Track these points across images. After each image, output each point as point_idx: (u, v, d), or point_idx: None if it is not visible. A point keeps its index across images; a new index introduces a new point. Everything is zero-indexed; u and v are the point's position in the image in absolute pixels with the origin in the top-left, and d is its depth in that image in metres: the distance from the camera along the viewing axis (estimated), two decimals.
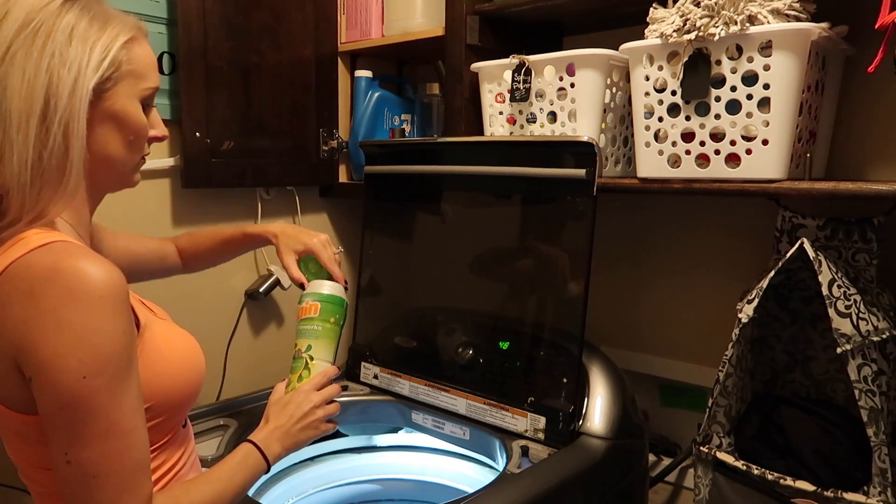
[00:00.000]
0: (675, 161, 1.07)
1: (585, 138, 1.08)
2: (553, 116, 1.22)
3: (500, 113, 1.30)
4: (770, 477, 0.98)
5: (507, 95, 1.26)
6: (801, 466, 1.04)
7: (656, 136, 1.09)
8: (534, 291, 1.23)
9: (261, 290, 1.56)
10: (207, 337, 1.50)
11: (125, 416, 0.67)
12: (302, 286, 1.05)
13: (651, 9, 1.06)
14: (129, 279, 0.71)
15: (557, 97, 1.20)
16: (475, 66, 1.31)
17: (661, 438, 1.46)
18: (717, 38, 0.97)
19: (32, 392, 0.66)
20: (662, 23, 1.03)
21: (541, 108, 1.23)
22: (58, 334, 0.63)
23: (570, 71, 1.17)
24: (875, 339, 0.94)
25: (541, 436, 1.11)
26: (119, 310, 0.66)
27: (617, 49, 1.11)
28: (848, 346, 0.92)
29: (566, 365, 1.12)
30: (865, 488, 0.94)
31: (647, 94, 1.07)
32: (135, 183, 0.82)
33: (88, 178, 0.75)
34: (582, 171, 1.08)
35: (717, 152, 1.02)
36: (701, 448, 1.07)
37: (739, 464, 1.02)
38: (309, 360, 0.99)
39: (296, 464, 1.28)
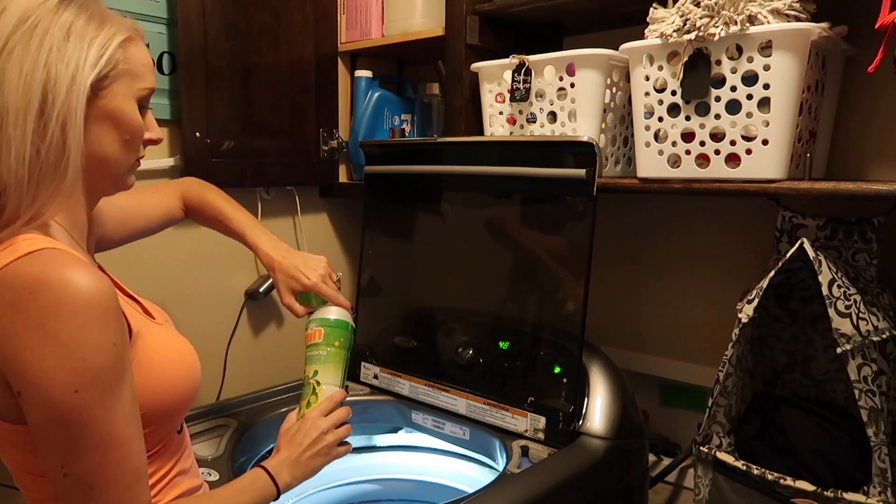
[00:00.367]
0: (675, 161, 1.07)
1: (585, 138, 1.08)
2: (553, 116, 1.22)
3: (500, 113, 1.30)
4: (770, 477, 0.98)
5: (507, 95, 1.26)
6: (801, 466, 1.04)
7: (656, 136, 1.09)
8: (534, 291, 1.23)
9: (261, 290, 1.56)
10: (207, 337, 1.50)
11: (120, 427, 0.66)
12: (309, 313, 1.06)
13: (651, 9, 1.06)
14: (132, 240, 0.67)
15: (557, 97, 1.20)
16: (475, 66, 1.31)
17: (661, 438, 1.46)
18: (717, 38, 0.97)
19: (21, 405, 0.65)
20: (662, 23, 1.03)
21: (541, 108, 1.23)
22: (46, 348, 0.62)
23: (570, 71, 1.17)
24: (875, 339, 0.94)
25: (541, 436, 1.11)
26: (108, 320, 0.65)
27: (617, 49, 1.11)
28: (848, 346, 0.92)
29: (566, 365, 1.12)
30: (865, 488, 0.94)
31: (647, 94, 1.07)
32: (129, 185, 0.81)
33: (83, 180, 0.74)
34: (582, 171, 1.08)
35: (717, 152, 1.02)
36: (701, 448, 1.07)
37: (739, 464, 1.02)
38: (316, 385, 0.99)
39: None
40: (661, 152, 1.08)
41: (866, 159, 1.16)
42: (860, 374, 0.92)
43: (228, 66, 1.43)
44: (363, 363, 1.39)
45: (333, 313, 1.04)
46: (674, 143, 1.06)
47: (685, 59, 1.01)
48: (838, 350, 0.92)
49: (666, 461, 1.39)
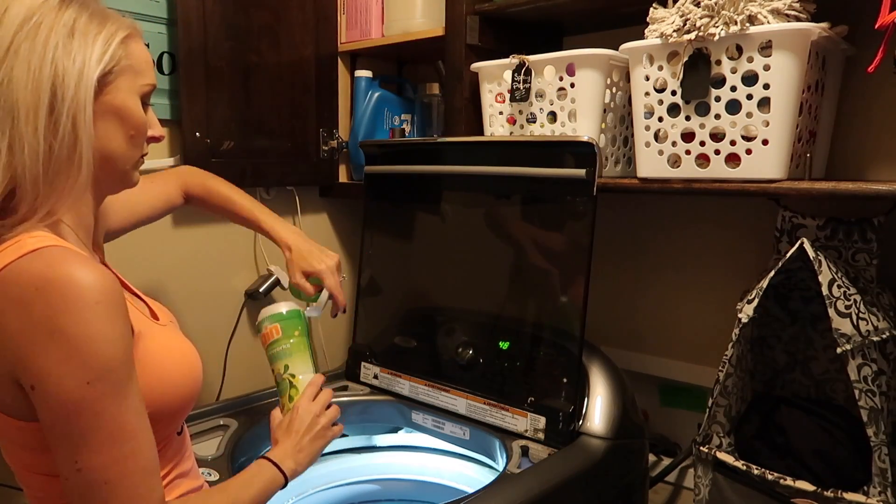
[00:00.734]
0: (675, 161, 1.07)
1: (585, 138, 1.08)
2: (553, 116, 1.22)
3: (500, 113, 1.30)
4: (770, 477, 0.98)
5: (507, 95, 1.26)
6: (801, 466, 1.04)
7: (656, 136, 1.09)
8: (534, 291, 1.23)
9: (261, 290, 1.56)
10: (207, 337, 1.50)
11: (131, 420, 0.67)
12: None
13: (651, 9, 1.06)
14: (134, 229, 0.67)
15: (557, 97, 1.20)
16: (475, 66, 1.31)
17: (661, 438, 1.46)
18: (717, 38, 0.97)
19: (33, 401, 0.65)
20: (662, 23, 1.03)
21: (541, 108, 1.23)
22: (56, 344, 0.62)
23: (570, 71, 1.17)
24: (875, 339, 0.94)
25: (541, 436, 1.11)
26: (115, 314, 0.66)
27: (617, 49, 1.11)
28: (848, 346, 0.92)
29: (566, 365, 1.12)
30: (865, 488, 0.94)
31: (647, 94, 1.07)
32: (135, 182, 0.82)
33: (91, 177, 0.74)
34: (582, 171, 1.08)
35: (717, 152, 1.02)
36: (701, 448, 1.07)
37: (739, 464, 1.02)
38: (291, 379, 0.99)
39: None
40: (661, 152, 1.08)
41: (866, 159, 1.16)
42: (860, 374, 0.92)
43: (228, 66, 1.43)
44: (363, 363, 1.39)
45: (283, 307, 1.04)
46: (674, 143, 1.06)
47: (685, 59, 1.01)
48: (838, 350, 0.92)
49: (666, 461, 1.39)
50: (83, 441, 0.64)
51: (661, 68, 1.05)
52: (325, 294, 1.10)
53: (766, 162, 0.98)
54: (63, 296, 0.63)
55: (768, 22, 0.94)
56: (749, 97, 0.98)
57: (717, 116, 1.01)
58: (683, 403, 1.44)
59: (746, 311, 1.02)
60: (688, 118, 1.04)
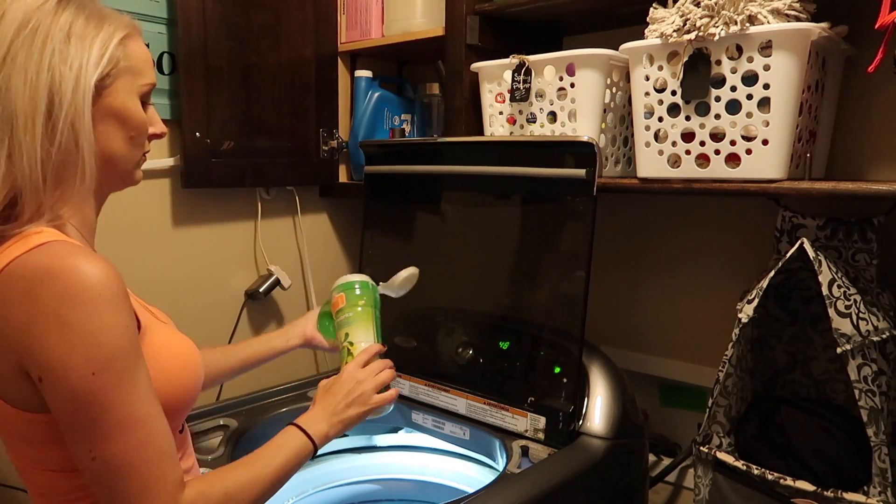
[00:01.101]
0: (675, 161, 1.07)
1: (585, 138, 1.08)
2: (553, 116, 1.22)
3: (500, 113, 1.30)
4: (770, 477, 0.98)
5: (507, 95, 1.26)
6: (801, 466, 1.04)
7: (656, 136, 1.09)
8: (534, 291, 1.23)
9: (261, 290, 1.56)
10: (207, 337, 1.50)
11: (141, 406, 0.67)
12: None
13: (651, 9, 1.06)
14: None
15: (557, 97, 1.20)
16: (475, 66, 1.31)
17: (661, 438, 1.46)
18: (717, 38, 0.97)
19: (41, 392, 0.66)
20: (662, 23, 1.03)
21: (541, 108, 1.23)
22: (61, 335, 0.63)
23: (570, 71, 1.17)
24: (875, 339, 0.94)
25: (541, 436, 1.11)
26: (119, 305, 0.67)
27: (617, 49, 1.11)
28: (848, 346, 0.92)
29: (566, 365, 1.12)
30: (865, 488, 0.95)
31: (647, 94, 1.07)
32: (137, 180, 0.82)
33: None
34: (582, 171, 1.08)
35: (717, 152, 1.02)
36: (701, 448, 1.07)
37: (739, 464, 1.02)
38: (350, 346, 1.00)
39: None
40: (661, 152, 1.08)
41: (866, 159, 1.16)
42: (860, 374, 0.92)
43: (228, 66, 1.43)
44: None
45: (354, 277, 1.06)
46: (674, 143, 1.06)
47: (685, 59, 1.01)
48: (838, 350, 0.92)
49: (666, 461, 1.39)
50: (94, 430, 0.65)
51: (661, 68, 1.05)
52: (401, 274, 1.10)
53: (766, 162, 0.98)
54: (67, 287, 0.64)
55: (768, 22, 0.94)
56: (749, 97, 0.98)
57: (717, 116, 1.01)
58: (683, 403, 1.44)
59: (746, 311, 1.02)
60: (688, 118, 1.04)
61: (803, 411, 1.11)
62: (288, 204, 1.65)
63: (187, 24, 1.35)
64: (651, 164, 1.10)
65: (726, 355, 1.04)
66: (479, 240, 1.30)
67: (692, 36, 0.99)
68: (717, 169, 1.03)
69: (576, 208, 1.12)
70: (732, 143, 1.00)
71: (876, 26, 0.86)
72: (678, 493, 1.39)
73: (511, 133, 1.29)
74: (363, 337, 1.01)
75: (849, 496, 0.92)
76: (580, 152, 1.09)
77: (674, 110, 1.05)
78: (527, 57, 1.21)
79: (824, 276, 0.94)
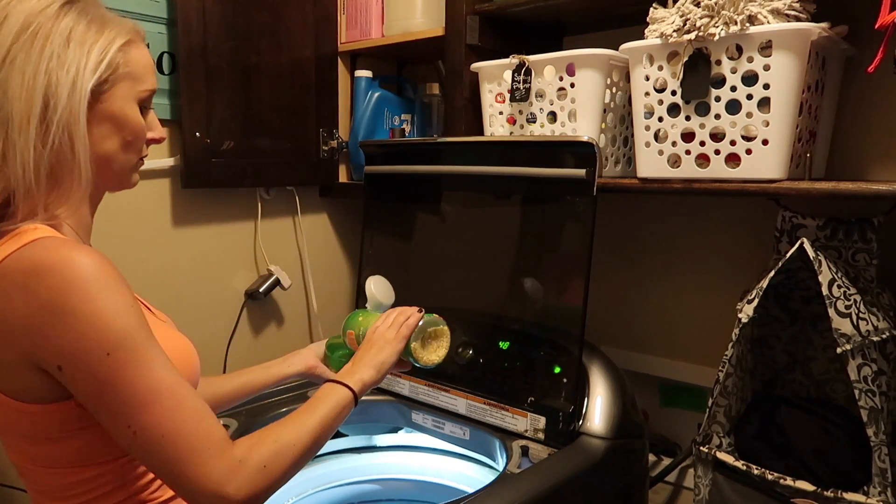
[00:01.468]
0: (675, 161, 1.07)
1: (585, 138, 1.08)
2: (553, 116, 1.22)
3: (500, 113, 1.30)
4: (770, 477, 0.98)
5: (507, 95, 1.26)
6: (801, 466, 1.04)
7: (656, 136, 1.09)
8: (534, 291, 1.23)
9: (261, 290, 1.56)
10: (207, 337, 1.50)
11: (165, 376, 0.68)
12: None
13: (651, 9, 1.06)
14: None
15: (557, 97, 1.20)
16: (475, 66, 1.31)
17: (661, 438, 1.46)
18: (717, 38, 0.97)
19: (63, 381, 0.67)
20: (662, 23, 1.03)
21: (541, 108, 1.23)
22: (67, 323, 0.64)
23: (570, 71, 1.17)
24: (875, 339, 0.94)
25: (541, 436, 1.11)
26: (118, 287, 0.67)
27: (617, 49, 1.11)
28: (848, 346, 0.92)
29: (566, 365, 1.12)
30: (865, 488, 0.94)
31: (647, 94, 1.07)
32: (133, 184, 0.82)
33: None
34: (582, 171, 1.08)
35: (717, 152, 1.02)
36: (701, 448, 1.07)
37: (739, 464, 1.02)
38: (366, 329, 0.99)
39: None
40: (661, 152, 1.08)
41: (866, 159, 1.16)
42: (860, 374, 0.92)
43: (228, 66, 1.43)
44: None
45: (355, 313, 1.08)
46: (674, 143, 1.06)
47: (685, 59, 1.01)
48: (838, 350, 0.92)
49: (666, 461, 1.39)
50: (126, 406, 0.66)
51: (661, 68, 1.05)
52: (371, 290, 1.11)
53: (766, 162, 0.98)
54: (64, 278, 0.65)
55: (768, 22, 0.94)
56: (749, 97, 0.98)
57: (717, 116, 1.01)
58: (683, 403, 1.44)
59: (746, 311, 1.02)
60: (688, 118, 1.04)
61: (803, 411, 1.11)
62: (288, 204, 1.65)
63: (187, 23, 1.35)
64: (651, 164, 1.10)
65: (726, 355, 1.04)
66: (480, 240, 1.30)
67: (692, 36, 0.99)
68: (717, 169, 1.03)
69: (576, 208, 1.12)
70: (732, 143, 1.00)
71: (876, 26, 0.86)
72: (678, 493, 1.39)
73: (511, 133, 1.29)
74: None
75: (849, 496, 0.92)
76: (580, 152, 1.09)
77: (674, 110, 1.05)
78: (527, 57, 1.21)
79: (824, 276, 0.94)
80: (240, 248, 1.57)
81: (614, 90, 1.20)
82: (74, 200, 0.73)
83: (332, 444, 1.34)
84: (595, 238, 1.10)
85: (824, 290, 0.93)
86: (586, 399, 1.12)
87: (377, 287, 1.12)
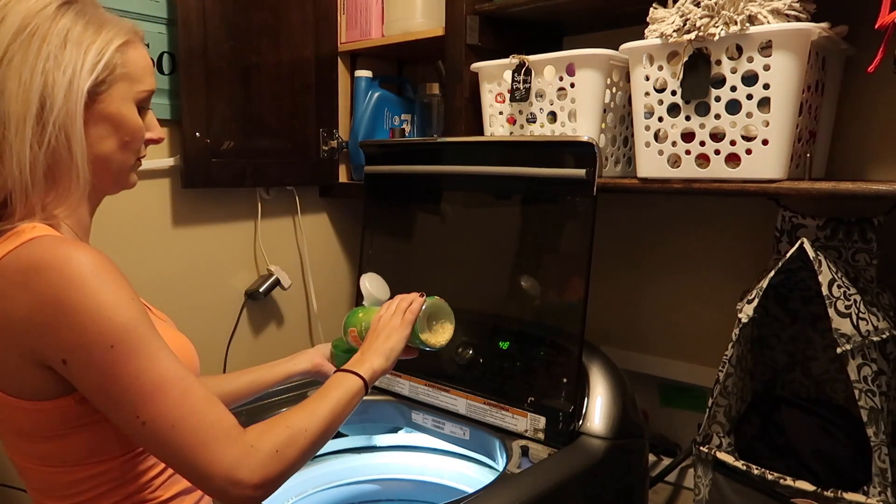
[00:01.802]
0: (675, 161, 1.07)
1: (585, 138, 1.08)
2: (553, 116, 1.22)
3: (500, 113, 1.30)
4: (770, 477, 0.98)
5: (507, 95, 1.26)
6: (801, 466, 1.04)
7: (656, 136, 1.09)
8: (534, 291, 1.23)
9: (261, 290, 1.56)
10: (207, 337, 1.50)
11: (170, 366, 0.68)
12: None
13: (651, 9, 1.06)
14: None
15: (557, 97, 1.20)
16: (475, 66, 1.31)
17: (661, 438, 1.45)
18: (717, 38, 0.97)
19: (68, 376, 0.67)
20: (662, 23, 1.03)
21: (541, 108, 1.23)
22: (69, 318, 0.64)
23: (570, 71, 1.17)
24: (875, 339, 0.93)
25: (541, 436, 1.11)
26: (117, 282, 0.68)
27: (617, 49, 1.11)
28: (848, 346, 0.92)
29: (566, 365, 1.12)
30: (865, 488, 0.94)
31: (647, 94, 1.07)
32: (132, 184, 0.82)
33: None
34: (582, 171, 1.08)
35: (717, 152, 1.02)
36: (701, 448, 1.07)
37: (739, 464, 1.02)
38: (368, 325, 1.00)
39: None
40: (661, 152, 1.08)
41: (866, 159, 1.16)
42: (860, 374, 0.92)
43: (228, 66, 1.43)
44: None
45: (356, 310, 1.08)
46: (674, 143, 1.06)
47: (685, 59, 1.01)
48: (838, 350, 0.92)
49: (666, 461, 1.39)
50: (134, 397, 0.66)
51: (661, 68, 1.05)
52: (367, 288, 1.13)
53: (766, 162, 0.98)
54: (63, 274, 0.65)
55: (768, 22, 0.94)
56: (749, 97, 0.98)
57: (717, 116, 1.01)
58: (683, 403, 1.44)
59: (746, 311, 1.02)
60: (688, 118, 1.04)
61: (803, 411, 1.11)
62: (288, 204, 1.65)
63: (187, 24, 1.35)
64: (651, 164, 1.10)
65: (726, 355, 1.04)
66: (479, 240, 1.30)
67: (692, 36, 0.99)
68: (717, 169, 1.03)
69: (576, 208, 1.12)
70: (732, 143, 1.00)
71: (876, 26, 0.86)
72: (678, 493, 1.39)
73: (511, 133, 1.29)
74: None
75: (849, 496, 0.92)
76: (580, 152, 1.09)
77: (674, 110, 1.05)
78: (527, 57, 1.21)
79: (824, 276, 0.94)
80: (240, 248, 1.57)
81: (614, 90, 1.20)
82: (73, 200, 0.73)
83: (332, 444, 1.34)
84: (595, 238, 1.10)
85: (824, 290, 0.93)
86: (586, 399, 1.12)
87: (372, 283, 1.13)
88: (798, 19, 0.95)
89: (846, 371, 0.92)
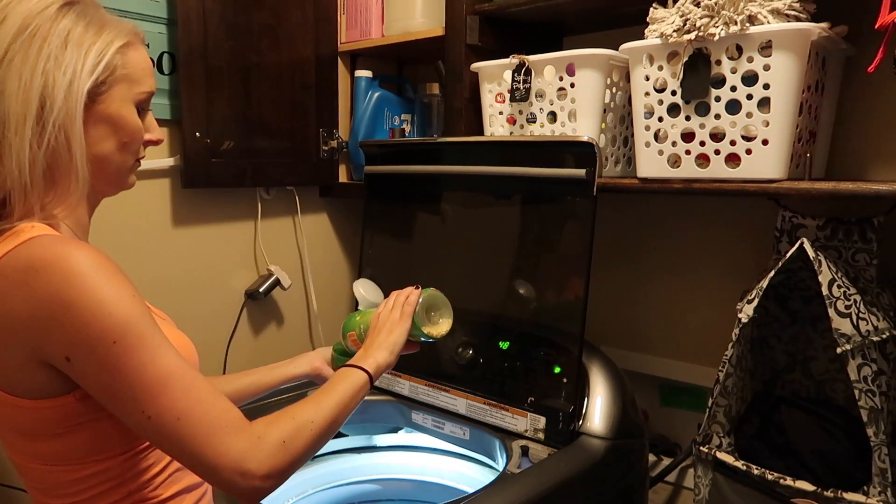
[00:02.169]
0: (675, 161, 1.07)
1: (585, 138, 1.08)
2: (553, 116, 1.22)
3: (500, 113, 1.30)
4: (770, 477, 0.98)
5: (507, 95, 1.26)
6: (801, 466, 1.04)
7: (656, 136, 1.09)
8: (534, 291, 1.23)
9: (261, 290, 1.56)
10: (207, 337, 1.50)
11: (173, 360, 0.69)
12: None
13: (651, 9, 1.06)
14: None
15: (557, 97, 1.20)
16: (475, 66, 1.31)
17: (661, 438, 1.46)
18: (717, 38, 0.97)
19: (71, 373, 0.67)
20: (662, 23, 1.03)
21: (541, 108, 1.23)
22: (70, 317, 0.64)
23: (570, 71, 1.17)
24: (875, 339, 0.94)
25: (541, 436, 1.11)
26: (117, 279, 0.68)
27: (617, 49, 1.11)
28: (848, 346, 0.92)
29: (566, 365, 1.12)
30: (865, 488, 0.94)
31: (647, 94, 1.07)
32: (130, 185, 0.82)
33: None
34: (582, 171, 1.08)
35: (717, 152, 1.02)
36: (701, 448, 1.07)
37: (739, 464, 1.02)
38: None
39: None
40: (661, 152, 1.08)
41: (866, 159, 1.16)
42: (860, 374, 0.92)
43: (228, 66, 1.43)
44: None
45: (353, 314, 1.08)
46: (674, 143, 1.06)
47: (685, 59, 1.01)
48: (838, 350, 0.92)
49: (666, 461, 1.39)
50: (139, 392, 0.66)
51: (661, 68, 1.05)
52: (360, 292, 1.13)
53: (766, 162, 0.98)
54: (63, 272, 0.65)
55: (768, 22, 0.94)
56: (749, 97, 0.98)
57: (717, 116, 1.01)
58: (683, 403, 1.44)
59: (746, 311, 1.02)
60: (688, 118, 1.04)
61: (803, 411, 1.11)
62: (288, 204, 1.65)
63: (187, 24, 1.35)
64: (651, 164, 1.10)
65: (726, 355, 1.04)
66: (480, 240, 1.30)
67: (692, 36, 0.99)
68: (717, 169, 1.03)
69: (576, 208, 1.12)
70: (732, 143, 1.00)
71: (876, 26, 0.86)
72: (678, 493, 1.39)
73: (511, 133, 1.29)
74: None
75: (849, 496, 0.92)
76: (580, 152, 1.09)
77: (674, 110, 1.05)
78: (527, 57, 1.21)
79: (824, 276, 0.94)
80: (240, 248, 1.57)
81: (614, 90, 1.20)
82: (72, 201, 0.74)
83: (332, 444, 1.34)
84: (595, 238, 1.10)
85: (824, 290, 0.93)
86: (586, 399, 1.12)
87: (366, 288, 1.13)
88: (798, 19, 0.96)
89: (846, 371, 0.92)
